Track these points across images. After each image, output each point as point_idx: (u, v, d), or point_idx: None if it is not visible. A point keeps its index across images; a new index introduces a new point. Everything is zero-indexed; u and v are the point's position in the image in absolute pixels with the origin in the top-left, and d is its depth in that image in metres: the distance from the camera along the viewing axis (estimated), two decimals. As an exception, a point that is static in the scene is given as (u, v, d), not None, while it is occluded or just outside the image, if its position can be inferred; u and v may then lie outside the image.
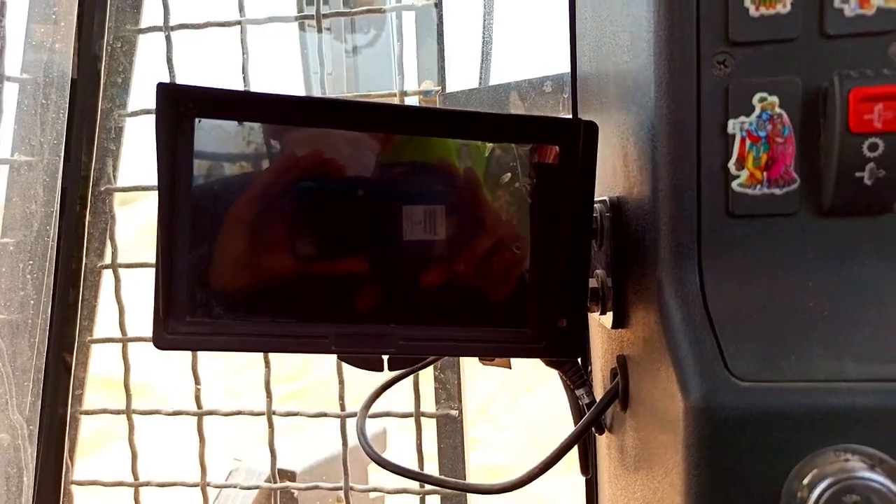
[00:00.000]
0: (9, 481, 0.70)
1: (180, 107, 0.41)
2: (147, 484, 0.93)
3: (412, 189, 0.46)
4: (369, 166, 0.45)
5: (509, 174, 0.47)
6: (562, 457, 0.51)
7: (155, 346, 0.43)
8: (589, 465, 0.60)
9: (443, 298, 0.47)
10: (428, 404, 0.91)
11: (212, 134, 0.44)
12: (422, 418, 0.88)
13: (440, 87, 0.88)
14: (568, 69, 0.69)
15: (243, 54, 0.92)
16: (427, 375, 0.93)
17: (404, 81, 0.89)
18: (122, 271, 0.91)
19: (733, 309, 0.35)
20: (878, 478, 0.30)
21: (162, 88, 0.40)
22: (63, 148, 0.68)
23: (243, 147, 0.45)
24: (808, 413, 0.32)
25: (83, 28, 0.67)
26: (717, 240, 0.36)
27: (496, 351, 0.48)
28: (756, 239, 0.36)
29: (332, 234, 0.45)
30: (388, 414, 0.88)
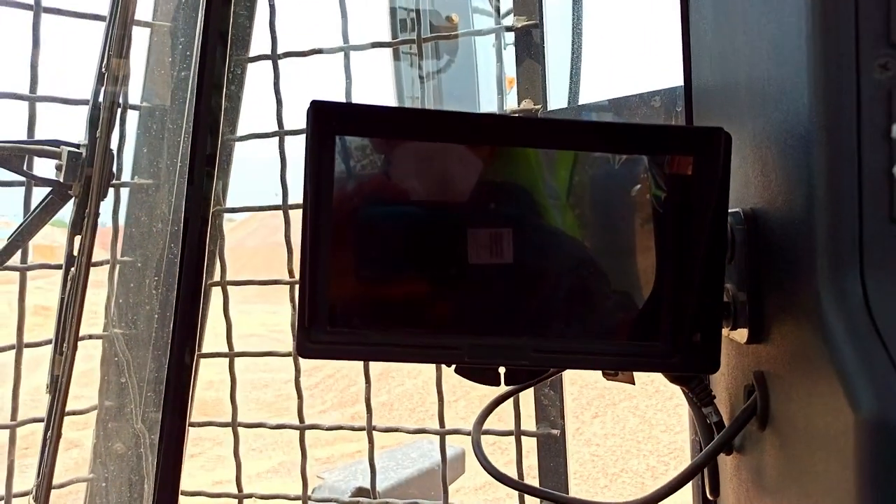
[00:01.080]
0: (132, 488, 0.74)
1: (329, 123, 0.42)
2: (251, 496, 0.96)
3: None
4: (471, 183, 0.46)
5: (639, 185, 0.47)
6: (694, 476, 0.50)
7: (298, 354, 0.44)
8: (718, 486, 0.58)
9: (574, 312, 0.47)
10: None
11: (346, 150, 0.46)
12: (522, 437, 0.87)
13: (540, 106, 0.89)
14: (673, 83, 0.68)
15: (347, 80, 0.94)
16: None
17: (505, 100, 0.90)
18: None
19: (902, 319, 0.34)
20: None
21: (314, 106, 0.42)
22: (187, 170, 0.72)
23: (364, 162, 0.47)
24: None
25: (206, 57, 0.71)
26: (881, 247, 0.35)
27: (627, 364, 0.47)
28: (925, 246, 0.34)
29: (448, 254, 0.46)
30: (488, 432, 0.87)
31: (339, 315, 0.44)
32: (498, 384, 0.59)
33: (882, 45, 0.35)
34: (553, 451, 0.87)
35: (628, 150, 0.46)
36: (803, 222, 0.38)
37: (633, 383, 0.57)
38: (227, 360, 0.97)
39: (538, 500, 0.94)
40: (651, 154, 0.46)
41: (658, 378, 0.52)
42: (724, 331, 0.52)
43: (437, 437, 0.93)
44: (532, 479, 0.92)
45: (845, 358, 0.34)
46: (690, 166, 0.45)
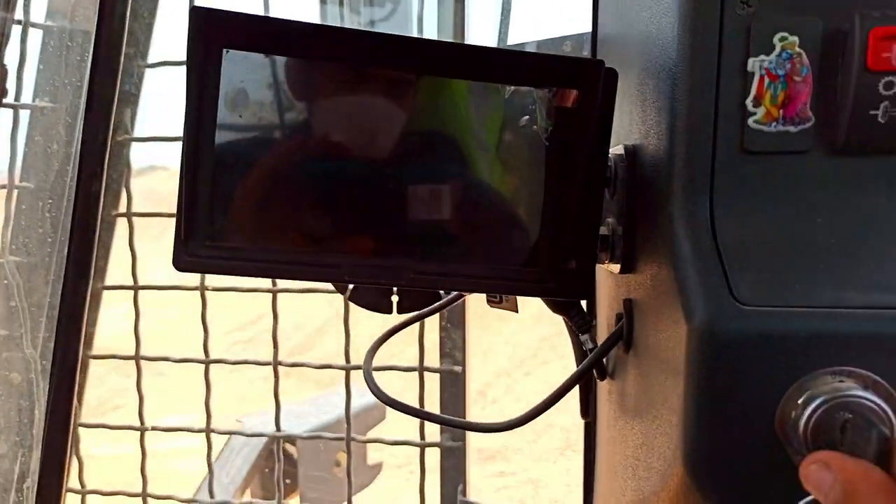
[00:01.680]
0: (21, 413, 0.72)
1: (212, 34, 0.42)
2: (154, 429, 0.95)
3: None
4: (377, 135, 0.47)
5: (527, 117, 0.48)
6: (562, 396, 0.52)
7: (175, 266, 0.44)
8: (589, 409, 0.61)
9: (455, 236, 0.48)
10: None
11: (239, 66, 0.45)
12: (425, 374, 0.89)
13: (458, 48, 0.89)
14: (587, 30, 0.70)
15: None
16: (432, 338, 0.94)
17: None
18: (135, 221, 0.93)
19: (742, 241, 0.36)
20: (871, 397, 0.31)
21: (198, 13, 0.41)
22: (85, 92, 0.69)
23: (265, 90, 0.46)
24: (806, 337, 0.33)
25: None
26: (730, 175, 0.37)
27: (506, 288, 0.49)
28: (769, 175, 0.37)
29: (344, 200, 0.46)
30: (392, 367, 0.89)
31: (219, 230, 0.44)
32: (390, 312, 0.60)
33: (744, -18, 0.37)
34: (454, 388, 0.90)
35: (516, 80, 0.47)
36: (667, 151, 0.40)
37: (517, 311, 0.59)
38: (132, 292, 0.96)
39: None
40: (537, 86, 0.47)
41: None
42: (606, 264, 0.54)
43: (364, 387, 0.94)
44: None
45: (687, 274, 0.36)
46: (575, 99, 0.46)
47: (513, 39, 0.87)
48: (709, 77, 0.37)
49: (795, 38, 0.35)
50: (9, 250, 0.72)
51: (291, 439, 1.80)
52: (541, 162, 0.48)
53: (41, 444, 0.74)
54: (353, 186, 0.46)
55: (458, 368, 0.88)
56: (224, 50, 0.44)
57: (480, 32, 1.02)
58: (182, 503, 0.95)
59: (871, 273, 0.35)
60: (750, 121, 0.36)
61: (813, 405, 0.32)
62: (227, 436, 1.86)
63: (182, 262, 0.44)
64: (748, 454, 0.35)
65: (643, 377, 0.45)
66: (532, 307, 0.59)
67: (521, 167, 0.50)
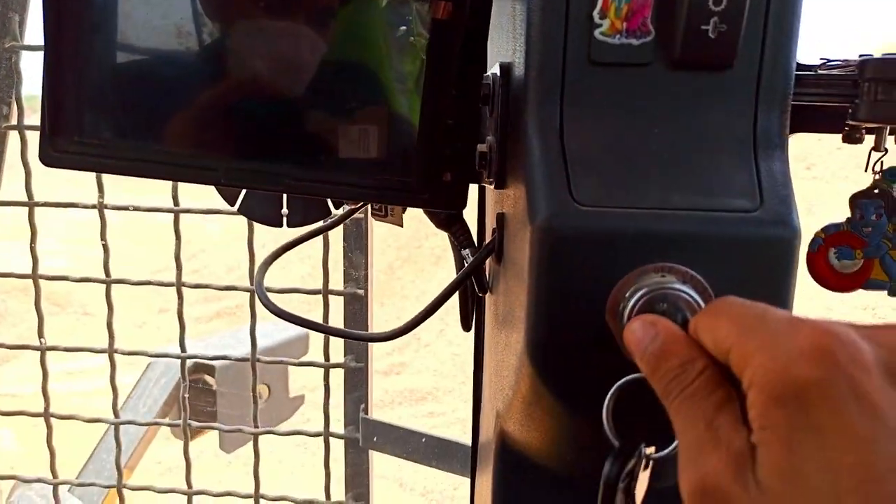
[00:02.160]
0: None
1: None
2: (54, 348, 0.94)
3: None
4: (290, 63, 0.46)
5: (404, 27, 0.49)
6: (441, 304, 0.55)
7: (42, 162, 0.43)
8: (469, 321, 0.64)
9: (332, 145, 0.49)
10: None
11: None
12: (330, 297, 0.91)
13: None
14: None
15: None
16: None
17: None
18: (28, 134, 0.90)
19: (586, 147, 0.39)
20: (687, 290, 0.35)
21: None
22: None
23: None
24: (634, 235, 0.36)
25: None
26: (578, 85, 0.39)
27: (379, 197, 0.51)
28: (613, 85, 0.39)
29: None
30: (295, 290, 0.91)
31: (90, 125, 0.44)
32: (280, 226, 0.61)
33: None
34: (357, 310, 0.92)
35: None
36: (523, 65, 0.42)
37: (402, 225, 0.61)
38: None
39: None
40: (412, -4, 0.47)
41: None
42: (485, 181, 0.57)
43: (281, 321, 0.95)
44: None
45: (535, 178, 0.39)
46: (446, 11, 0.47)
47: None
48: (560, -11, 0.39)
49: (639, -47, 0.37)
50: None
51: (210, 370, 1.80)
52: (414, 73, 0.49)
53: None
54: (241, 107, 0.46)
55: (360, 291, 0.90)
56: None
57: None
58: (85, 422, 0.95)
59: (695, 178, 0.38)
60: (596, 32, 0.38)
61: (637, 296, 0.35)
62: (143, 371, 1.85)
63: (49, 158, 0.43)
64: (582, 341, 0.38)
65: (507, 284, 0.48)
66: None
67: (411, 80, 0.51)
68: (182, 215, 0.89)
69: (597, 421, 0.38)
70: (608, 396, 0.37)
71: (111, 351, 0.95)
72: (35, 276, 0.92)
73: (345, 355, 0.95)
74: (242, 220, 0.74)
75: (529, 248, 0.38)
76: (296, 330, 2.01)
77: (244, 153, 0.47)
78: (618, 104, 0.39)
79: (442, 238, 0.61)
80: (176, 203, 0.91)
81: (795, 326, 0.28)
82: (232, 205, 0.62)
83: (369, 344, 0.94)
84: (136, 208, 0.90)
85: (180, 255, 0.93)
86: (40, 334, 0.94)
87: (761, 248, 0.37)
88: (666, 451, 0.39)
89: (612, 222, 0.36)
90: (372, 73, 0.50)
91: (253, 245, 0.90)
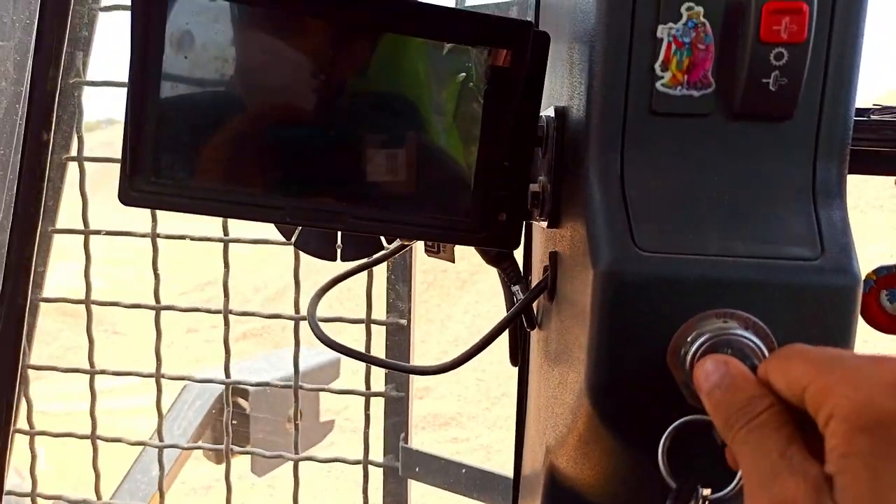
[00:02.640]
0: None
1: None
2: (103, 372, 0.97)
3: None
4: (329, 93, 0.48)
5: (464, 74, 0.51)
6: (491, 342, 0.56)
7: (120, 201, 0.46)
8: (518, 356, 0.65)
9: (395, 185, 0.51)
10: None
11: (185, 7, 0.46)
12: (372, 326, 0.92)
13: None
14: (534, -5, 0.72)
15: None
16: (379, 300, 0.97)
17: None
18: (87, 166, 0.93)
19: (647, 195, 0.40)
20: (750, 336, 0.36)
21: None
22: (35, 30, 0.69)
23: (212, 35, 0.48)
24: (696, 281, 0.37)
25: None
26: (639, 134, 0.41)
27: (440, 236, 0.52)
28: (674, 135, 0.40)
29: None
30: (339, 319, 0.92)
31: (165, 166, 0.46)
32: (334, 259, 0.63)
33: (658, -46, 0.39)
34: (399, 340, 0.93)
35: (451, 37, 0.49)
36: (585, 112, 0.43)
37: (453, 261, 0.63)
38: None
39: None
40: (472, 45, 0.49)
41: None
42: (537, 219, 0.58)
43: (319, 346, 0.97)
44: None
45: (596, 222, 0.40)
46: (507, 59, 0.49)
47: (468, 3, 0.89)
48: (622, 42, 0.40)
49: (700, 9, 0.39)
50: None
51: (244, 394, 1.82)
52: (477, 118, 0.51)
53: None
54: (302, 143, 0.48)
55: (403, 321, 0.92)
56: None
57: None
58: (131, 445, 0.97)
59: (756, 227, 0.38)
60: (658, 84, 0.40)
61: (700, 341, 0.36)
62: (178, 394, 1.87)
63: (127, 196, 0.46)
64: (643, 385, 0.39)
65: (562, 322, 0.49)
66: (493, 278, 0.62)
67: (465, 124, 0.52)
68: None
69: (654, 462, 0.38)
70: (663, 437, 0.38)
71: (158, 376, 0.97)
72: (87, 302, 0.95)
73: (385, 384, 0.96)
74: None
75: (592, 292, 0.39)
76: (328, 355, 2.03)
77: (308, 193, 0.49)
78: (677, 153, 0.40)
79: (468, 263, 0.62)
80: (226, 233, 0.94)
81: (877, 361, 0.29)
82: (288, 239, 0.64)
83: (411, 379, 0.95)
84: (188, 237, 0.92)
85: (228, 283, 0.95)
86: (91, 360, 0.97)
87: (822, 297, 0.37)
88: (723, 492, 0.39)
89: (674, 268, 0.37)
90: (417, 111, 0.51)
91: (299, 274, 0.92)
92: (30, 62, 0.70)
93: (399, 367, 0.66)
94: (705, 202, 0.40)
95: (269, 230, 0.67)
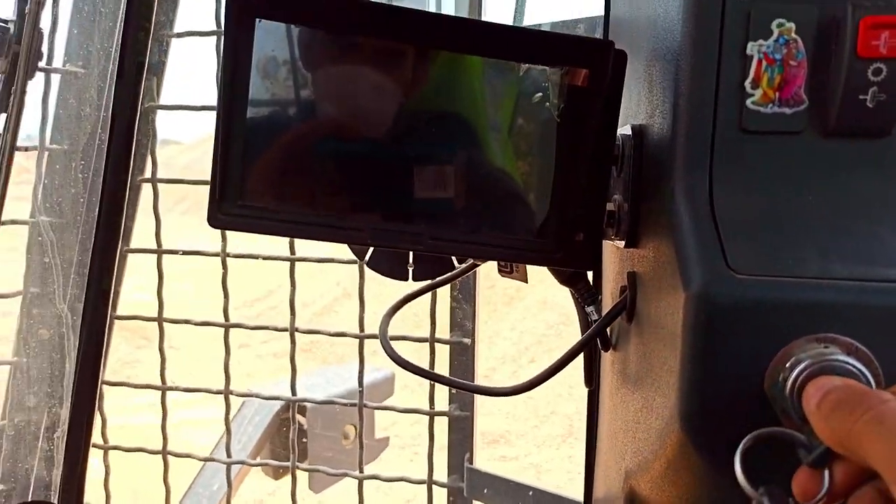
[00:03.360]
0: (52, 365, 0.76)
1: (246, 4, 0.44)
2: (174, 388, 0.99)
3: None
4: (390, 113, 0.49)
5: (540, 94, 0.51)
6: (567, 364, 0.55)
7: (209, 224, 0.47)
8: (593, 377, 0.64)
9: (473, 206, 0.51)
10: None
11: (270, 36, 0.48)
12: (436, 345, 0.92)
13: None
14: (600, 13, 0.72)
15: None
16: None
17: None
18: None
19: (738, 214, 0.39)
20: (853, 362, 0.34)
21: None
22: (116, 58, 0.72)
23: (293, 59, 0.49)
24: (795, 305, 0.36)
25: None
26: (728, 152, 0.40)
27: (517, 257, 0.52)
28: (765, 153, 0.39)
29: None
30: (404, 338, 0.93)
31: (251, 191, 0.48)
32: (406, 279, 0.63)
33: (747, -29, 0.39)
34: (464, 359, 0.93)
35: (531, 59, 0.49)
36: (670, 130, 0.43)
37: (526, 281, 0.62)
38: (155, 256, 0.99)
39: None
40: (551, 65, 0.49)
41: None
42: (612, 238, 0.57)
43: (377, 362, 0.98)
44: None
45: (686, 245, 0.39)
46: (585, 78, 0.49)
47: (528, 20, 0.89)
48: (710, 59, 0.40)
49: (792, 25, 0.38)
50: (43, 210, 0.76)
51: (302, 410, 1.84)
52: (552, 138, 0.51)
53: (70, 399, 0.78)
54: (365, 163, 0.49)
55: (467, 340, 0.91)
56: (257, 20, 0.47)
57: (496, 13, 1.04)
58: (201, 461, 0.99)
59: (855, 247, 0.37)
60: (748, 102, 0.39)
61: (799, 367, 0.35)
62: (238, 407, 1.91)
63: (216, 220, 0.47)
64: (739, 412, 0.38)
65: (644, 345, 0.48)
66: (539, 294, 0.62)
67: (532, 144, 0.52)
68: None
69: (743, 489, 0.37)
70: (740, 447, 0.36)
71: (227, 392, 0.99)
72: (160, 319, 0.98)
73: (449, 403, 0.96)
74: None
75: (683, 315, 0.38)
76: (382, 371, 2.04)
77: (389, 215, 0.50)
78: (769, 171, 0.39)
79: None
80: (292, 252, 0.95)
81: None
82: (361, 259, 0.65)
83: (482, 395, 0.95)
84: (254, 256, 0.94)
85: (294, 301, 0.97)
86: (162, 376, 0.99)
87: (929, 320, 0.36)
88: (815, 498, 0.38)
89: (770, 291, 0.36)
90: (478, 132, 0.51)
91: (363, 293, 0.93)
92: (108, 88, 0.73)
93: (473, 388, 0.66)
94: (800, 222, 0.38)
95: (330, 248, 0.67)
